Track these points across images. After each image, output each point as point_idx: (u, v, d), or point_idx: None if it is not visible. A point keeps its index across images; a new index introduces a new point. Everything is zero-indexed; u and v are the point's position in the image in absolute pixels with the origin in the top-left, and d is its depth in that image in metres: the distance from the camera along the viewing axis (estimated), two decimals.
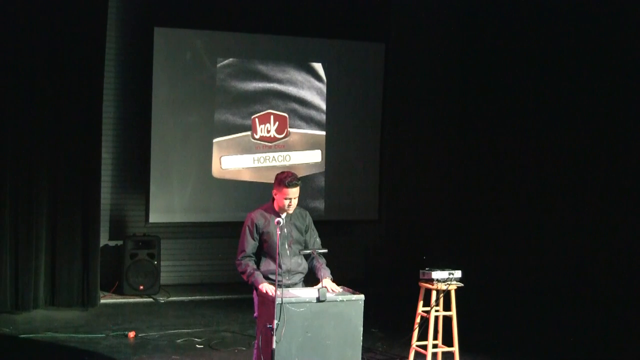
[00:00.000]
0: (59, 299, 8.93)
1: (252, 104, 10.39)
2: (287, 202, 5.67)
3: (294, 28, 10.48)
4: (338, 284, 5.78)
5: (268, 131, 10.47)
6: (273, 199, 5.78)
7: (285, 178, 5.65)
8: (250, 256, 5.75)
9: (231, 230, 9.27)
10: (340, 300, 5.55)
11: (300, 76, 10.60)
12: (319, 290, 5.51)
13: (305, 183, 10.46)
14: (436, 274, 6.77)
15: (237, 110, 10.33)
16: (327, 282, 5.73)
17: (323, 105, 10.74)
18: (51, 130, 8.83)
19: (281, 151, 10.53)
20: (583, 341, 8.15)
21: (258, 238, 5.75)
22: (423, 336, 6.84)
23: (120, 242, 9.90)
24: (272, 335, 5.28)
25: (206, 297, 9.79)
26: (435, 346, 6.88)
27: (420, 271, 6.89)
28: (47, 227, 8.84)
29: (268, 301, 5.45)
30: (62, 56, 8.82)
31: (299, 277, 5.85)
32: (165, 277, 10.07)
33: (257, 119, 10.42)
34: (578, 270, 9.24)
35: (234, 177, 10.35)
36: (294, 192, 5.67)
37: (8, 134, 8.64)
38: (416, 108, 11.38)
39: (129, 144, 10.11)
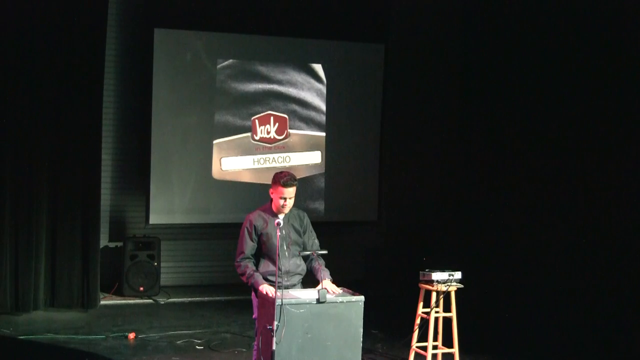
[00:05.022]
0: (59, 300, 8.93)
1: (252, 105, 10.39)
2: (282, 201, 5.69)
3: (293, 29, 10.49)
4: (338, 285, 5.78)
5: (268, 132, 10.47)
6: (271, 200, 5.79)
7: (281, 177, 5.67)
8: (249, 258, 5.75)
9: (231, 232, 9.26)
10: (340, 302, 5.55)
11: (300, 77, 10.61)
12: (319, 291, 5.51)
13: (305, 184, 10.47)
14: (436, 275, 6.77)
15: (237, 112, 10.33)
16: (327, 283, 5.74)
17: (323, 107, 10.75)
18: (51, 131, 8.84)
19: (281, 152, 10.54)
20: (583, 341, 8.16)
21: (257, 239, 5.75)
22: (423, 337, 6.84)
23: (120, 244, 9.90)
24: (272, 336, 5.28)
25: (206, 299, 9.79)
26: (435, 347, 6.88)
27: (420, 272, 6.89)
28: (47, 228, 8.84)
29: (268, 302, 5.45)
30: (62, 57, 8.82)
31: (297, 279, 5.85)
32: (165, 279, 10.07)
33: (257, 120, 10.42)
34: (578, 271, 9.23)
35: (234, 178, 10.35)
36: (289, 192, 5.68)
37: (8, 135, 8.64)
38: (416, 109, 11.38)
39: (129, 145, 10.11)
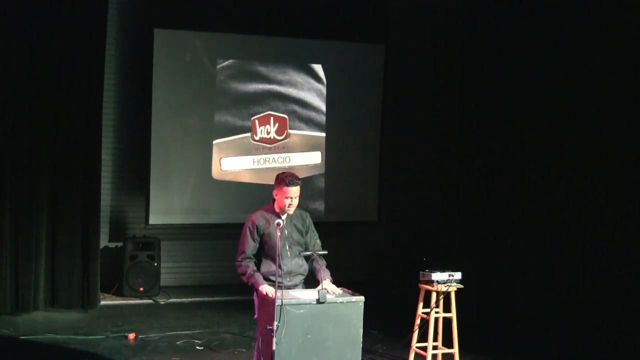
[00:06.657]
0: (59, 301, 8.93)
1: (252, 105, 10.40)
2: (287, 201, 5.69)
3: (293, 29, 10.49)
4: (338, 286, 5.78)
5: (268, 133, 10.47)
6: (274, 200, 5.79)
7: (285, 177, 5.68)
8: (250, 258, 5.75)
9: (231, 232, 9.27)
10: (340, 302, 5.55)
11: (300, 78, 10.61)
12: (319, 291, 5.51)
13: (305, 184, 10.40)
14: (436, 276, 6.77)
15: (237, 112, 10.33)
16: (327, 283, 5.74)
17: (323, 107, 10.75)
18: (51, 131, 8.83)
19: (281, 153, 10.54)
20: (583, 341, 8.16)
21: (259, 239, 5.75)
22: (423, 338, 6.84)
23: (120, 244, 9.90)
24: (272, 336, 5.28)
25: (206, 299, 9.79)
26: (435, 348, 6.88)
27: (420, 273, 6.89)
28: (47, 229, 8.84)
29: (268, 303, 5.45)
30: (62, 57, 8.82)
31: (299, 279, 5.85)
32: (165, 279, 10.07)
33: (257, 121, 10.42)
34: (578, 271, 9.24)
35: (234, 178, 10.35)
36: (294, 192, 5.68)
37: (8, 135, 8.64)
38: (416, 109, 11.38)
39: (129, 145, 10.11)
